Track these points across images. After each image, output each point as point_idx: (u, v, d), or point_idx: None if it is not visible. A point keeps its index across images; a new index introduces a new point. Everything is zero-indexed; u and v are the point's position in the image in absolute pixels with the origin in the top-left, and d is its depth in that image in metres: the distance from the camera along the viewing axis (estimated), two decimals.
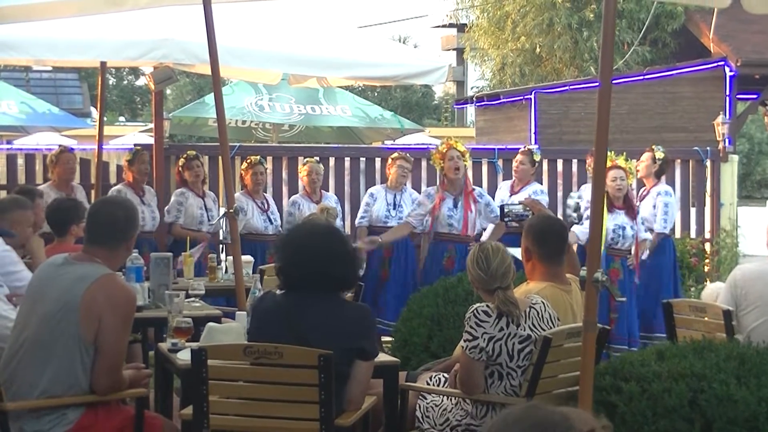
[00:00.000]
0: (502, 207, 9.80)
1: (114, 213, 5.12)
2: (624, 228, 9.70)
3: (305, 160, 11.13)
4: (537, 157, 10.84)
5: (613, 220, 9.62)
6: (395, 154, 10.97)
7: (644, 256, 10.08)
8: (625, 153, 10.06)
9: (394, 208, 10.65)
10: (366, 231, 10.64)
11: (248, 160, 10.76)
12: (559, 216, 11.35)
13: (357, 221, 10.90)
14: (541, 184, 11.41)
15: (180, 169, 10.72)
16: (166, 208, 10.67)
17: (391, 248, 10.38)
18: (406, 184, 11.13)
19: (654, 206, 10.37)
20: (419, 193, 11.30)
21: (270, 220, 10.60)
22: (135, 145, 11.28)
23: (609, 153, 9.52)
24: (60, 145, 11.54)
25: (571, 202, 10.74)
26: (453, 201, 10.01)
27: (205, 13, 6.81)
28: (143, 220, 10.17)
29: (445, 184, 10.11)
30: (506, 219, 9.66)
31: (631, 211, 9.81)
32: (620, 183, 9.71)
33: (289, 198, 11.56)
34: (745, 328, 6.38)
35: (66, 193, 9.98)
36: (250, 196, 10.62)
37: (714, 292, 7.34)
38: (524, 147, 11.18)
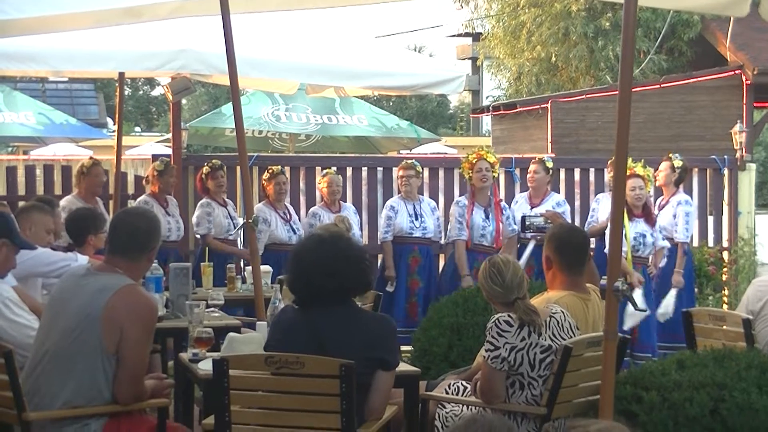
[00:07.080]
0: (523, 218, 9.80)
1: (135, 224, 5.14)
2: (644, 236, 9.67)
3: (324, 171, 11.03)
4: (550, 165, 10.73)
5: (633, 228, 9.60)
6: (399, 166, 10.90)
7: (662, 264, 10.07)
8: (643, 160, 10.03)
9: (416, 219, 10.51)
10: (391, 246, 10.52)
11: (270, 170, 10.65)
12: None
13: (382, 236, 10.64)
14: (558, 193, 11.37)
15: (203, 177, 10.61)
16: (195, 220, 10.49)
17: (419, 259, 10.38)
18: (423, 194, 11.10)
19: (674, 215, 10.28)
20: (436, 201, 11.33)
21: (293, 230, 10.49)
22: (153, 155, 11.25)
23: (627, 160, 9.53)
24: (91, 157, 11.45)
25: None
26: (484, 212, 10.03)
27: (224, 24, 6.83)
28: (169, 230, 10.16)
29: (474, 194, 10.13)
30: (527, 231, 9.69)
31: (650, 219, 9.79)
32: (639, 192, 9.68)
33: (306, 208, 11.53)
34: (762, 340, 6.34)
35: (92, 205, 9.91)
36: (272, 206, 10.54)
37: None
38: (536, 158, 11.08)
